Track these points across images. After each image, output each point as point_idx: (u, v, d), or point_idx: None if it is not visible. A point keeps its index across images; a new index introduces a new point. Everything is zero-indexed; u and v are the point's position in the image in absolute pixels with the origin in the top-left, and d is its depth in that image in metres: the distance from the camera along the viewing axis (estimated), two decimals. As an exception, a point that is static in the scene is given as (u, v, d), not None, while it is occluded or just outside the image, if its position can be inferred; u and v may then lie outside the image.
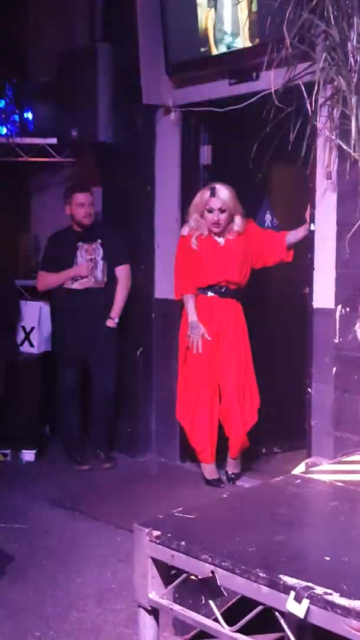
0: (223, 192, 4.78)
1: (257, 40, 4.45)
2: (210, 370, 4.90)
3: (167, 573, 2.11)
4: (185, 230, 4.94)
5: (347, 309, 4.11)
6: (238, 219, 4.86)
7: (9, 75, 5.76)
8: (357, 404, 4.06)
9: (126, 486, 5.05)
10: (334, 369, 4.19)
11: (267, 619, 1.85)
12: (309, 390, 4.45)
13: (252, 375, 5.00)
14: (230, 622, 1.92)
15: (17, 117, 5.79)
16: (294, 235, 4.85)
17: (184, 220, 5.15)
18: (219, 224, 4.80)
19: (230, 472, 5.04)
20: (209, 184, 4.90)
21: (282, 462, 5.19)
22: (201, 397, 4.91)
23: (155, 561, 2.09)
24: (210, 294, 4.90)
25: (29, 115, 5.79)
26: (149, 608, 2.12)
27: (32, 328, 5.78)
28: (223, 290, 4.90)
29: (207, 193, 4.81)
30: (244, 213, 4.89)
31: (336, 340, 4.16)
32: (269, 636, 2.14)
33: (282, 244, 4.91)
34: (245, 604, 1.90)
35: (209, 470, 5.01)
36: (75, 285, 5.38)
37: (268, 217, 5.55)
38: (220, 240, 4.89)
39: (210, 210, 4.80)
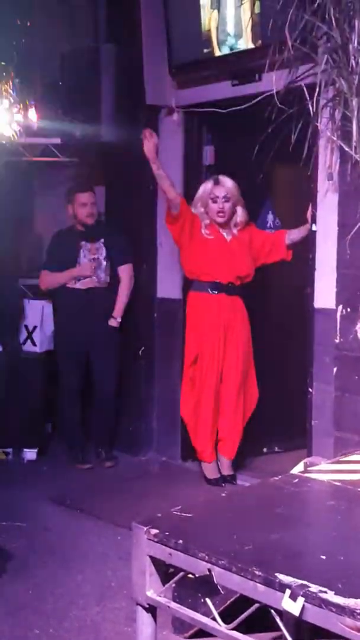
0: (227, 181, 4.83)
1: (260, 42, 4.47)
2: (217, 370, 4.91)
3: (165, 571, 2.13)
4: (192, 209, 4.93)
5: (348, 309, 4.12)
6: (240, 210, 4.88)
7: (13, 75, 5.77)
8: (357, 404, 4.07)
9: (127, 485, 5.07)
10: (335, 369, 4.21)
11: (269, 618, 1.87)
12: (310, 390, 4.46)
13: (252, 371, 5.02)
14: (231, 621, 1.93)
15: (21, 117, 5.82)
16: (296, 234, 4.86)
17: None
18: (223, 212, 4.82)
19: (226, 475, 5.04)
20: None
21: (283, 462, 5.16)
22: (206, 397, 4.92)
23: (153, 559, 2.11)
24: (217, 292, 4.89)
25: (33, 115, 5.81)
26: (147, 606, 2.13)
27: (35, 327, 5.79)
28: (230, 287, 4.90)
29: (210, 183, 4.86)
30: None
31: (337, 341, 4.17)
32: (267, 634, 2.15)
33: (282, 243, 4.93)
34: (245, 602, 1.92)
35: (210, 469, 5.03)
36: (78, 285, 5.40)
37: (270, 217, 5.57)
38: (226, 235, 4.90)
39: (215, 200, 4.81)
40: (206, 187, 4.86)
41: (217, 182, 4.82)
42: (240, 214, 4.89)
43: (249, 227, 4.99)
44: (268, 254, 4.98)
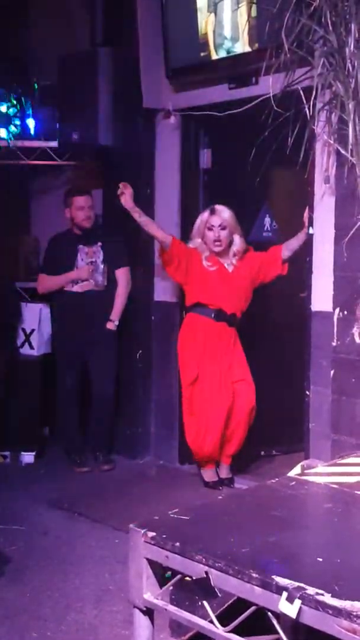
0: (223, 210, 4.83)
1: (257, 45, 4.48)
2: (221, 390, 4.87)
3: (162, 574, 2.13)
4: (190, 245, 4.94)
5: (345, 312, 4.12)
6: (237, 238, 4.88)
7: (10, 78, 5.78)
8: (354, 407, 4.07)
9: (125, 488, 5.07)
10: (332, 372, 4.21)
11: (266, 621, 1.87)
12: (307, 393, 4.47)
13: (249, 376, 5.02)
14: (228, 624, 1.93)
15: (18, 121, 5.82)
16: (295, 243, 4.83)
17: (183, 224, 5.18)
18: (220, 241, 4.82)
19: (224, 478, 5.04)
20: (209, 206, 4.94)
21: (281, 465, 5.19)
22: (214, 420, 4.87)
23: (150, 562, 2.11)
24: (221, 320, 4.88)
25: (30, 118, 5.82)
26: (144, 609, 2.13)
27: (32, 330, 5.80)
28: (231, 318, 4.90)
29: (207, 213, 4.87)
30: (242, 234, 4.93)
31: (334, 344, 4.18)
32: (265, 637, 2.15)
33: (277, 259, 4.92)
34: (244, 605, 1.92)
35: (209, 473, 5.03)
36: (76, 288, 5.40)
37: (267, 220, 5.57)
38: (227, 266, 4.90)
39: (211, 228, 4.82)
40: (202, 217, 4.88)
41: (213, 212, 4.84)
42: (238, 243, 4.88)
43: (248, 253, 4.97)
44: (265, 273, 4.97)
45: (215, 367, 4.88)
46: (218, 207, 4.85)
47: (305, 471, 2.76)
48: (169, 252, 4.89)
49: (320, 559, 1.96)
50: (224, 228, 4.82)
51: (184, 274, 4.92)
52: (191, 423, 4.96)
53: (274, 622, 1.81)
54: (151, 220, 5.03)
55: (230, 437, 4.95)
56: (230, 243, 4.87)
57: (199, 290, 4.91)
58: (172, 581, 2.08)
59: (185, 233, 5.13)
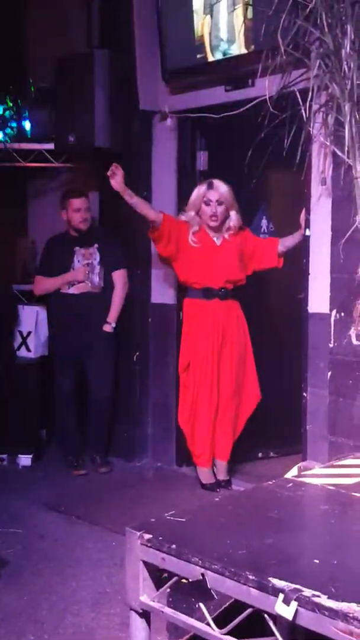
0: (221, 185, 4.82)
1: (253, 47, 4.48)
2: (212, 376, 4.90)
3: (159, 576, 2.13)
4: (182, 217, 4.93)
5: (342, 314, 4.13)
6: (234, 214, 4.87)
7: (6, 80, 5.78)
8: (351, 409, 4.07)
9: (122, 490, 5.06)
10: (329, 374, 4.21)
11: (265, 623, 1.87)
12: (304, 394, 4.47)
13: (253, 372, 5.02)
14: (225, 626, 1.93)
15: (14, 123, 5.82)
16: (291, 240, 4.84)
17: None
18: (216, 216, 4.81)
19: (222, 480, 5.04)
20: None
21: (278, 467, 5.16)
22: (203, 402, 4.91)
23: (147, 564, 2.10)
24: (211, 298, 4.88)
25: (26, 121, 5.82)
26: (141, 611, 2.13)
27: (29, 332, 5.79)
28: (223, 292, 4.89)
29: (204, 186, 4.85)
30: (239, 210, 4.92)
31: (331, 345, 4.18)
32: (262, 640, 2.15)
33: (273, 251, 4.92)
34: (240, 607, 1.92)
35: (206, 474, 5.03)
36: (72, 290, 5.40)
37: (264, 222, 5.58)
38: (217, 239, 4.90)
39: (207, 203, 4.81)
40: (199, 190, 4.86)
41: (210, 186, 4.82)
42: (234, 219, 4.88)
43: (243, 232, 4.99)
44: (259, 260, 4.97)
45: (212, 351, 4.87)
46: (215, 181, 4.83)
47: (303, 473, 2.76)
48: (160, 229, 4.85)
49: (317, 561, 1.96)
50: (220, 203, 4.81)
51: (174, 249, 4.90)
52: (183, 404, 4.99)
53: (271, 624, 1.81)
54: (143, 200, 4.96)
55: (227, 429, 4.96)
56: (225, 219, 4.87)
57: (184, 268, 4.90)
58: (169, 583, 2.07)
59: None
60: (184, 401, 5.01)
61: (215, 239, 4.91)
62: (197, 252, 4.87)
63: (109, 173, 4.80)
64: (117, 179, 4.80)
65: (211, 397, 4.90)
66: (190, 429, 4.98)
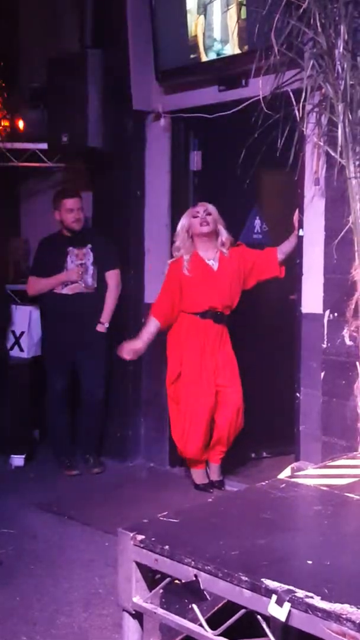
0: (207, 204, 4.86)
1: (246, 47, 4.48)
2: (203, 387, 4.87)
3: (152, 577, 2.12)
4: (175, 254, 4.93)
5: (335, 314, 4.12)
6: (222, 230, 4.88)
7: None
8: (344, 409, 4.07)
9: (115, 491, 5.05)
10: (322, 374, 4.21)
11: (257, 624, 1.86)
12: (297, 395, 4.46)
13: (236, 377, 5.01)
14: (218, 627, 1.92)
15: (7, 122, 5.81)
16: (288, 245, 4.80)
17: (173, 226, 5.16)
18: (206, 221, 4.81)
19: (215, 480, 5.03)
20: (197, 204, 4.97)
21: (271, 467, 5.18)
22: (195, 414, 4.87)
23: (140, 565, 2.10)
24: (204, 318, 4.87)
25: (19, 120, 5.80)
26: (133, 612, 2.13)
27: (22, 333, 5.78)
28: (218, 314, 4.89)
29: (190, 208, 4.92)
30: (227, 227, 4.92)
31: (324, 345, 4.17)
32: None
33: (274, 260, 4.89)
34: (233, 608, 1.91)
35: (199, 475, 5.02)
36: (66, 290, 5.39)
37: (257, 222, 5.57)
38: (213, 263, 4.89)
39: (195, 216, 4.83)
40: (188, 214, 4.91)
41: (195, 205, 4.92)
42: (225, 234, 4.88)
43: (239, 248, 4.97)
44: (260, 271, 4.94)
45: (199, 365, 4.87)
46: (200, 203, 4.90)
47: (295, 473, 2.76)
48: (170, 318, 4.90)
49: (310, 562, 1.96)
50: (209, 214, 4.83)
51: (180, 299, 4.89)
52: (176, 421, 4.97)
53: (264, 625, 1.80)
54: (144, 333, 4.93)
55: (217, 440, 4.94)
56: (216, 234, 4.86)
57: (184, 299, 4.88)
58: (162, 584, 2.07)
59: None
60: (176, 419, 4.98)
61: (211, 262, 4.89)
62: (195, 282, 4.86)
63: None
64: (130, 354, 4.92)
65: (204, 408, 4.86)
66: (183, 442, 4.95)
